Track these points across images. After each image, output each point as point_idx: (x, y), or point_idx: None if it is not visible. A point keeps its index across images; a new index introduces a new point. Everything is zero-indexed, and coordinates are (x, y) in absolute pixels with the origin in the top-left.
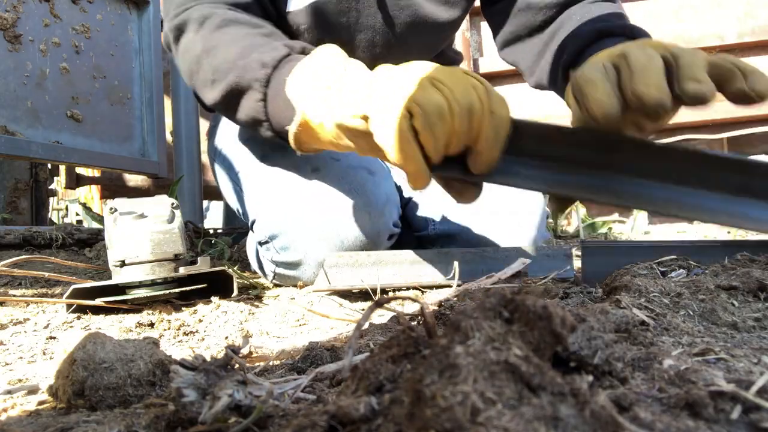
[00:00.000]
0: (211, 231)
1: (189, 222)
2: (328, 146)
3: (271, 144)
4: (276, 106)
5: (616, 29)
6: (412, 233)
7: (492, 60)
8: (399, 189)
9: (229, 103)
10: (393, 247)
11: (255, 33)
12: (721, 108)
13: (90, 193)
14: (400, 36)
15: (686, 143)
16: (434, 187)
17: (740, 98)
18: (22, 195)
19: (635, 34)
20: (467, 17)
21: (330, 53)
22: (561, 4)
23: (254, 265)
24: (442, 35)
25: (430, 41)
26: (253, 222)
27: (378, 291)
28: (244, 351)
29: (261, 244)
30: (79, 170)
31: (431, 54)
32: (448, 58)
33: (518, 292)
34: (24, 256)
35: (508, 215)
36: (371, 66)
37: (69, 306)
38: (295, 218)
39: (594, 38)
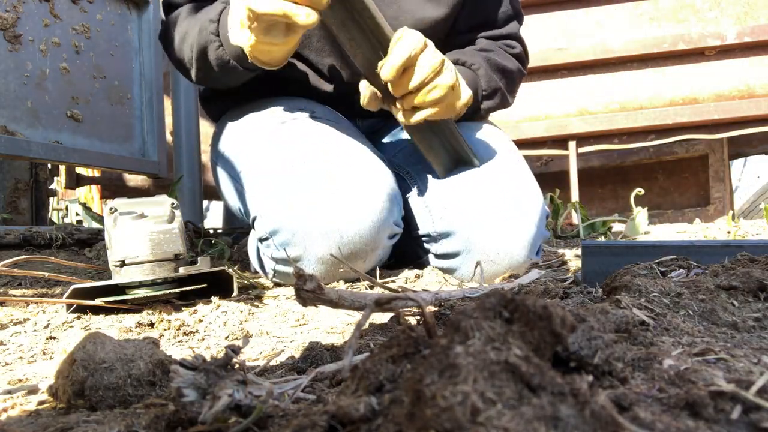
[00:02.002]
0: (211, 231)
1: (189, 222)
2: (259, 43)
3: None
4: (227, 42)
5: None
6: (410, 233)
7: None
8: (399, 186)
9: (205, 65)
10: (393, 248)
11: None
12: (721, 108)
13: (90, 193)
14: None
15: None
16: (434, 186)
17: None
18: (22, 195)
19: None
20: None
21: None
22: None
23: (255, 264)
24: (432, 34)
25: None
26: (254, 219)
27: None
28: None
29: (261, 240)
30: (79, 170)
31: None
32: None
33: (518, 292)
34: (24, 256)
35: (508, 213)
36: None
37: (69, 306)
38: (296, 213)
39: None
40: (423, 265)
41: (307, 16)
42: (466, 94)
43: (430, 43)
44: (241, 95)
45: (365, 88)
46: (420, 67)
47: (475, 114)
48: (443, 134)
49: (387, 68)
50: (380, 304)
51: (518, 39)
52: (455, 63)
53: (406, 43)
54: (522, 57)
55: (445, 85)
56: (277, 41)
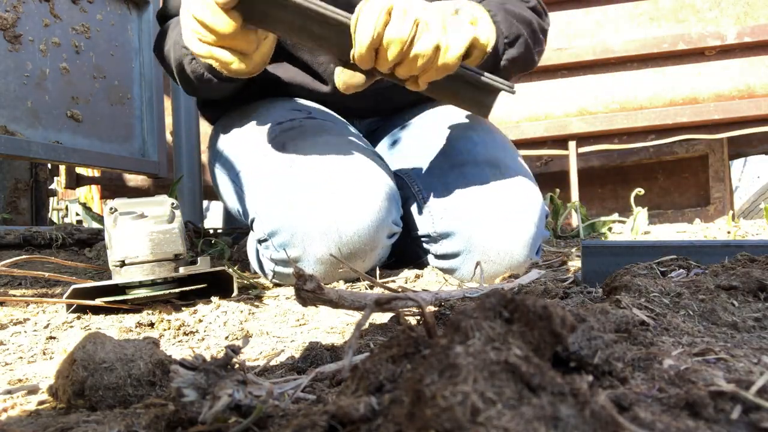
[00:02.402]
0: (211, 231)
1: (189, 222)
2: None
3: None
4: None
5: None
6: (410, 233)
7: None
8: (399, 186)
9: (185, 78)
10: (393, 248)
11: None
12: (721, 108)
13: (90, 193)
14: None
15: None
16: (434, 186)
17: None
18: (22, 195)
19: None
20: None
21: None
22: None
23: (254, 265)
24: None
25: None
26: (253, 220)
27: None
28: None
29: (260, 242)
30: (79, 170)
31: None
32: None
33: (518, 292)
34: (24, 256)
35: (508, 214)
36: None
37: (69, 306)
38: (294, 214)
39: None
40: (423, 265)
41: (239, 63)
42: (459, 43)
43: (397, 5)
44: (239, 98)
45: (337, 74)
46: (390, 45)
47: (497, 67)
48: (458, 80)
49: (357, 58)
50: (380, 304)
51: None
52: None
53: (364, 23)
54: (539, 11)
55: (424, 52)
56: (238, 60)
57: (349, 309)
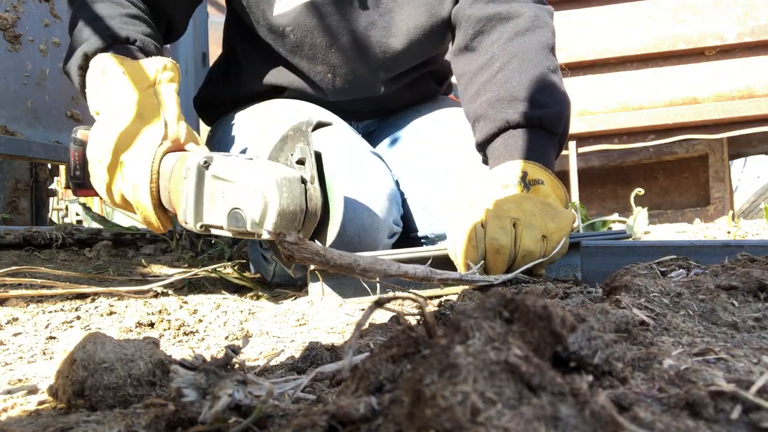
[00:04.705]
0: None
1: None
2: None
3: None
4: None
5: (523, 121)
6: (409, 234)
7: None
8: (397, 184)
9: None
10: (393, 248)
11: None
12: (721, 108)
13: None
14: (378, 43)
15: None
16: (431, 188)
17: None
18: (22, 195)
19: (543, 125)
20: None
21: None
22: (482, 19)
23: (255, 265)
24: (428, 43)
25: (415, 50)
26: None
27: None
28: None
29: (261, 242)
30: None
31: (420, 67)
32: (431, 80)
33: (518, 292)
34: (13, 268)
35: None
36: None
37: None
38: None
39: (502, 128)
40: None
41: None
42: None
43: (490, 220)
44: (237, 100)
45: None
46: (500, 256)
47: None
48: None
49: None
50: (381, 304)
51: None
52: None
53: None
54: (535, 27)
55: (531, 248)
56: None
57: (337, 266)
